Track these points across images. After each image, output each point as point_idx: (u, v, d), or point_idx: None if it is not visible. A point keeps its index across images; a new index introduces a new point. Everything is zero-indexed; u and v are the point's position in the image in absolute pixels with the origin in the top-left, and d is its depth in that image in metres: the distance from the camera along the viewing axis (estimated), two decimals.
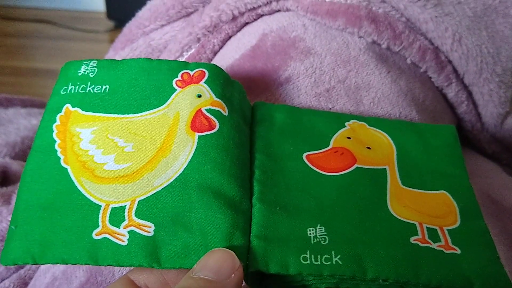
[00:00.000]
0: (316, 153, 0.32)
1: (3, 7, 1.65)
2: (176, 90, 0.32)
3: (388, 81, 0.39)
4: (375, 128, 0.35)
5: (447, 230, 0.29)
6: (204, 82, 0.32)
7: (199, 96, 0.31)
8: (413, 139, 0.34)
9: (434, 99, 0.42)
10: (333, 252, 0.27)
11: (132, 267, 0.28)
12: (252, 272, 0.27)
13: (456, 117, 0.47)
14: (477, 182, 0.44)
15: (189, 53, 0.43)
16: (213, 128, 0.30)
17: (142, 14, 0.47)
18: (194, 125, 0.30)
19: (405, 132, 0.35)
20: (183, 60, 0.43)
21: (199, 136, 0.30)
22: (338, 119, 0.35)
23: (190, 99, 0.31)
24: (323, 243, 0.27)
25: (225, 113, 0.31)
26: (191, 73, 0.33)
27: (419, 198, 0.31)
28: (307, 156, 0.32)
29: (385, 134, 0.34)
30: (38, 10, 1.66)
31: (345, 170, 0.31)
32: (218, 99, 0.32)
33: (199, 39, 0.42)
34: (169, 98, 0.31)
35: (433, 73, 0.42)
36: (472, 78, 0.43)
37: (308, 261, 0.26)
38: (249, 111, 0.35)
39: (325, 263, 0.26)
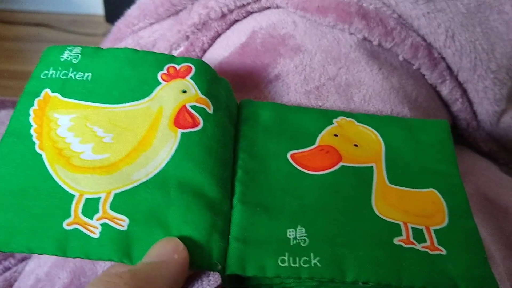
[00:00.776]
0: (301, 152, 0.32)
1: (1, 11, 1.65)
2: (161, 83, 0.31)
3: (380, 78, 0.38)
4: (363, 125, 0.34)
5: (434, 230, 0.29)
6: (190, 78, 0.31)
7: (184, 91, 0.31)
8: (402, 135, 0.34)
9: (427, 96, 0.42)
10: (312, 254, 0.26)
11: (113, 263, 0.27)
12: (231, 276, 0.26)
13: (451, 115, 0.46)
14: (472, 181, 0.44)
15: (178, 51, 0.42)
16: (197, 126, 0.30)
17: (131, 12, 0.46)
18: (178, 121, 0.29)
19: (395, 128, 0.34)
20: None
21: (182, 133, 0.29)
22: (326, 116, 0.34)
23: (174, 94, 0.30)
24: (303, 245, 0.26)
25: (210, 110, 0.31)
26: (178, 67, 0.32)
27: (406, 197, 0.30)
28: (291, 155, 0.31)
29: (373, 130, 0.34)
30: (36, 14, 1.66)
31: (329, 168, 0.31)
32: (203, 96, 0.31)
33: (187, 37, 0.42)
34: (153, 91, 0.31)
35: (426, 70, 0.41)
36: (466, 75, 0.43)
37: (286, 264, 0.26)
38: (235, 109, 0.34)
39: (304, 265, 0.26)
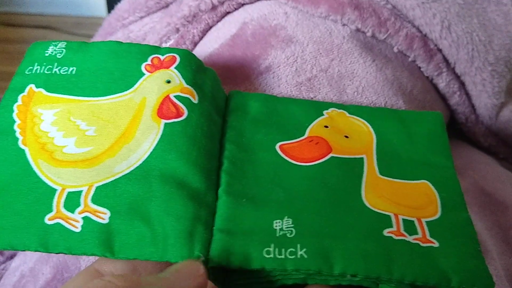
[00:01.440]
0: (290, 143, 0.31)
1: (5, 14, 1.65)
2: (144, 74, 0.30)
3: (373, 69, 0.38)
4: (355, 116, 0.33)
5: (426, 221, 0.28)
6: (175, 68, 0.31)
7: (168, 81, 0.30)
8: (395, 126, 0.33)
9: (423, 88, 0.41)
10: (298, 246, 0.25)
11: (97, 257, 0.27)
12: (215, 268, 0.25)
13: (449, 108, 0.45)
14: (470, 175, 0.43)
15: (168, 44, 0.41)
16: (181, 116, 0.29)
17: (121, 6, 0.46)
18: (161, 112, 0.29)
19: (387, 120, 0.33)
20: None
21: (165, 123, 0.28)
22: (317, 108, 0.33)
23: (158, 84, 0.30)
24: (289, 236, 0.26)
25: (195, 100, 0.30)
26: (162, 57, 0.31)
27: (397, 188, 0.29)
28: (280, 146, 0.30)
29: (365, 122, 0.33)
30: (40, 16, 1.66)
31: (319, 160, 0.30)
32: (188, 86, 0.30)
33: (178, 30, 0.41)
34: (136, 82, 0.30)
35: (422, 62, 0.41)
36: (463, 67, 0.42)
37: (272, 255, 0.25)
38: (223, 100, 0.33)
39: (290, 257, 0.25)
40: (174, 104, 0.29)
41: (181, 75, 0.30)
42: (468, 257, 0.26)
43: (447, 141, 0.33)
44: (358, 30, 0.39)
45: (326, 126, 0.32)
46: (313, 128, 0.32)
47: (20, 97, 0.29)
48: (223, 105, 0.33)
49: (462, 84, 0.43)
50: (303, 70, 0.37)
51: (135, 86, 0.30)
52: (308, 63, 0.37)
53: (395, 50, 0.40)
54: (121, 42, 0.32)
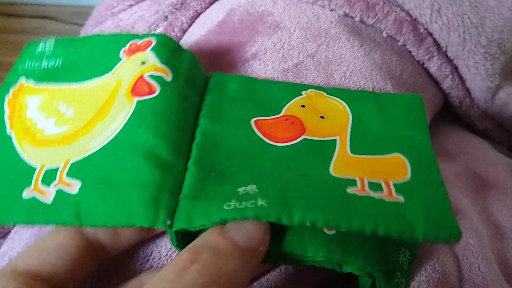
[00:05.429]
0: (265, 119, 0.31)
1: (6, 4, 1.65)
2: (122, 59, 0.32)
3: (361, 54, 0.37)
4: (333, 97, 0.33)
5: (394, 183, 0.27)
6: (150, 50, 0.31)
7: (143, 63, 0.31)
8: (373, 107, 0.32)
9: (413, 72, 0.40)
10: (259, 198, 0.25)
11: None
12: (183, 236, 0.26)
13: (442, 93, 0.45)
14: (463, 160, 0.43)
15: (156, 31, 0.41)
16: (153, 93, 0.30)
17: None
18: (135, 90, 0.30)
19: (365, 101, 0.33)
20: None
21: (137, 101, 0.29)
22: (296, 88, 0.33)
23: (133, 66, 0.31)
24: (251, 193, 0.25)
25: (168, 78, 0.31)
26: (139, 42, 0.32)
27: (367, 162, 0.28)
28: (255, 122, 0.30)
29: (342, 102, 0.32)
30: (40, 6, 1.66)
31: (291, 141, 0.29)
32: (162, 65, 0.31)
33: (166, 17, 0.41)
34: (114, 66, 0.31)
35: (412, 46, 0.40)
36: (455, 51, 0.41)
37: (232, 207, 0.24)
38: (202, 81, 0.34)
39: (250, 206, 0.24)
40: (147, 83, 0.30)
41: (156, 56, 0.31)
42: (436, 211, 0.25)
43: (425, 119, 0.32)
44: (346, 15, 0.38)
45: (303, 106, 0.32)
46: (290, 107, 0.32)
47: (11, 90, 0.32)
48: (202, 85, 0.33)
49: (455, 68, 0.43)
50: (290, 56, 0.36)
51: (113, 70, 0.31)
52: (295, 49, 0.37)
53: (384, 34, 0.39)
54: (103, 34, 0.34)
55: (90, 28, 0.47)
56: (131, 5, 0.44)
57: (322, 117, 0.31)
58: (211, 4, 0.41)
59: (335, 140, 0.30)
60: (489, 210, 0.38)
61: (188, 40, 0.39)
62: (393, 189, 0.26)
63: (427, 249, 0.31)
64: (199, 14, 0.41)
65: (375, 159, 0.29)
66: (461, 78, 0.44)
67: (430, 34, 0.41)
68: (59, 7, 1.66)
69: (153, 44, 0.32)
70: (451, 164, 0.42)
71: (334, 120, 0.31)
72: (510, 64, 0.46)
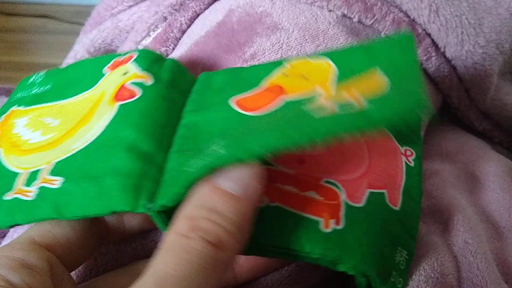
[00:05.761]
0: (246, 96, 0.30)
1: (5, 3, 1.65)
2: (105, 74, 0.33)
3: None
4: (316, 58, 0.32)
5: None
6: (131, 62, 0.33)
7: (125, 73, 0.32)
8: (359, 55, 0.30)
9: None
10: (221, 148, 0.24)
11: None
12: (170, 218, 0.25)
13: (441, 93, 0.45)
14: (461, 160, 0.43)
15: (156, 32, 0.41)
16: (134, 97, 0.31)
17: None
18: (117, 97, 0.31)
19: (352, 53, 0.31)
20: (150, 40, 0.42)
21: (119, 105, 0.30)
22: (277, 61, 0.32)
23: (116, 78, 0.32)
24: (215, 148, 0.24)
25: (149, 82, 0.31)
26: (121, 58, 0.33)
27: (344, 88, 0.27)
28: (236, 101, 0.30)
29: (327, 59, 0.31)
30: (39, 5, 1.66)
31: (270, 105, 0.29)
32: (142, 72, 0.32)
33: (165, 18, 0.41)
34: (98, 81, 0.33)
35: None
36: (453, 51, 0.41)
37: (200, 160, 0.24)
38: (189, 83, 0.34)
39: (209, 152, 0.24)
40: (128, 89, 0.31)
41: (138, 65, 0.32)
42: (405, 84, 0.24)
43: (415, 60, 0.29)
44: (344, 15, 0.39)
45: (285, 75, 0.31)
46: (272, 78, 0.31)
47: (3, 116, 0.33)
48: (189, 87, 0.34)
49: (454, 68, 0.43)
50: (288, 57, 0.37)
51: (97, 84, 0.33)
52: (294, 49, 0.37)
53: (383, 35, 0.40)
54: (90, 58, 0.36)
55: (89, 28, 0.47)
56: (130, 6, 0.44)
57: (305, 78, 0.30)
58: (210, 5, 0.41)
59: (315, 90, 0.29)
60: (488, 211, 0.38)
61: (187, 41, 0.40)
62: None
63: (426, 249, 0.31)
64: (198, 15, 0.41)
65: (353, 82, 0.28)
66: (459, 79, 0.44)
67: (428, 34, 0.41)
68: (59, 6, 1.66)
69: (134, 57, 0.33)
70: (450, 164, 0.42)
71: (317, 76, 0.30)
72: (508, 65, 0.46)
